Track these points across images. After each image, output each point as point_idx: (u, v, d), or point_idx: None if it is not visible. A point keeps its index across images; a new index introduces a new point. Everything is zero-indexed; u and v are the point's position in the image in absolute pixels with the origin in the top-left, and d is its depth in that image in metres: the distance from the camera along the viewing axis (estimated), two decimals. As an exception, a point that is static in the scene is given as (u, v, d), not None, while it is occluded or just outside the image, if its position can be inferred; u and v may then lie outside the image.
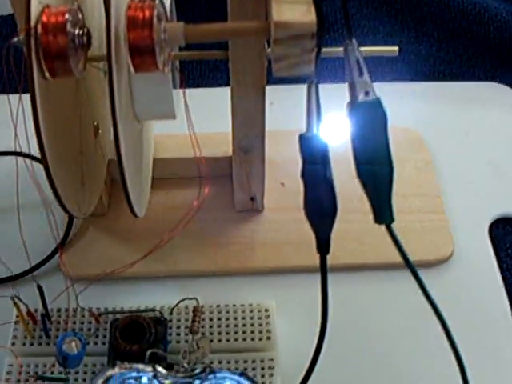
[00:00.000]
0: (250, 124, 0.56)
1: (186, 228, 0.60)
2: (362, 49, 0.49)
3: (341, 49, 0.46)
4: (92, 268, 0.60)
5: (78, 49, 0.44)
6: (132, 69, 0.45)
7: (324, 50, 0.45)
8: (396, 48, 0.52)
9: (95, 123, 0.56)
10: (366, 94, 0.47)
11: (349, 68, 0.47)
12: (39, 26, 0.42)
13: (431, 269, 0.62)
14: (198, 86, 0.80)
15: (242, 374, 0.50)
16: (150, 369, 0.50)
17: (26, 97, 0.43)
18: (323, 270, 0.47)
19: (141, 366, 0.50)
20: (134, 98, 0.51)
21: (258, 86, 0.52)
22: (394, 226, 0.46)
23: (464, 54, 0.85)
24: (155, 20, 0.43)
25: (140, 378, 0.50)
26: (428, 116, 0.76)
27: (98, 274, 0.59)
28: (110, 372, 0.49)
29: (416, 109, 0.76)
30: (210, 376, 0.49)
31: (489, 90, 0.81)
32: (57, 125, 0.47)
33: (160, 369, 0.49)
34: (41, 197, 0.49)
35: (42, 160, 0.45)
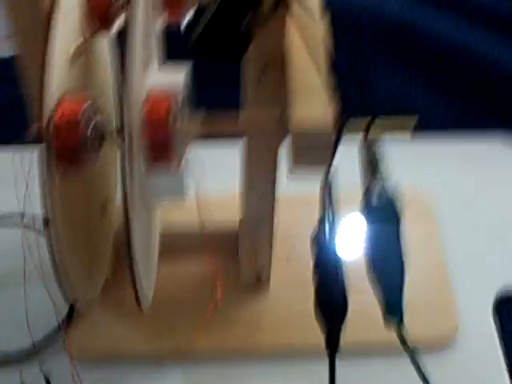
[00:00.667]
0: (258, 208, 0.55)
1: (190, 302, 0.60)
2: (379, 120, 0.48)
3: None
4: (96, 348, 0.59)
5: (92, 146, 0.43)
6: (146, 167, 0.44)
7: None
8: (408, 136, 0.51)
9: (104, 200, 0.56)
10: (380, 195, 0.46)
11: (363, 165, 0.46)
12: (52, 125, 0.42)
13: (434, 352, 0.61)
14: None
15: None
16: None
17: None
18: (332, 366, 0.47)
19: None
20: (147, 185, 0.50)
21: (271, 173, 0.52)
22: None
23: (475, 106, 0.84)
24: (172, 115, 0.43)
25: None
26: (435, 177, 0.75)
27: (103, 354, 0.58)
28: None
29: (423, 169, 0.75)
30: None
31: (497, 151, 0.79)
32: (69, 215, 0.46)
33: None
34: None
35: (50, 251, 0.44)
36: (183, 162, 0.46)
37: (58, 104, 0.42)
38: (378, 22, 0.87)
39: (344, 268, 0.46)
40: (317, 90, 0.43)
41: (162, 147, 0.43)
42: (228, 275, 0.64)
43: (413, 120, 0.49)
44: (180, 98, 0.45)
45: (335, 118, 0.42)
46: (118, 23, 0.51)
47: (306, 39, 0.43)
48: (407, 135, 0.52)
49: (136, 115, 0.43)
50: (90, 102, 0.43)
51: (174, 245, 0.64)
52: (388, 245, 0.47)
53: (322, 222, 0.47)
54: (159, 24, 0.53)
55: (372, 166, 0.46)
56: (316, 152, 0.43)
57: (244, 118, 0.45)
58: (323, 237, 0.46)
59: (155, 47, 0.54)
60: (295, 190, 0.56)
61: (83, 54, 0.49)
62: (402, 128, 0.50)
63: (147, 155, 0.43)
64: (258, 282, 0.63)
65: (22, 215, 0.61)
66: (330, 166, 0.43)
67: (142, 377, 0.59)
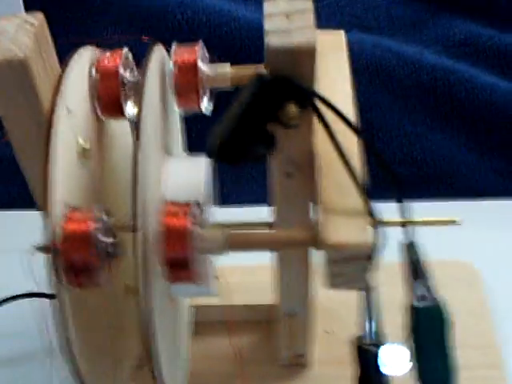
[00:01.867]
0: (295, 295, 0.51)
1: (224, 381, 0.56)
2: (420, 219, 0.45)
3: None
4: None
5: (106, 259, 0.39)
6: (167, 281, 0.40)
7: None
8: (456, 219, 0.47)
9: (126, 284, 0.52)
10: (423, 298, 0.42)
11: (406, 269, 0.42)
12: (61, 238, 0.38)
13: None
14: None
15: None
16: None
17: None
18: None
19: None
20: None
21: (305, 267, 0.48)
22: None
23: None
24: (192, 229, 0.39)
25: None
26: (483, 243, 0.69)
27: None
28: None
29: (469, 234, 0.70)
30: None
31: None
32: (88, 322, 0.43)
33: None
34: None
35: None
36: (207, 275, 0.42)
37: (66, 218, 0.38)
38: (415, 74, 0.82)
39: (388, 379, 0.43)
40: (352, 201, 0.39)
41: (181, 265, 0.39)
42: (264, 353, 0.60)
43: (453, 222, 0.46)
44: (200, 207, 0.41)
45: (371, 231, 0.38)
46: (130, 110, 0.47)
47: (337, 142, 0.39)
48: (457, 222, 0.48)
49: (152, 228, 0.39)
50: (100, 213, 0.39)
51: (209, 315, 0.61)
52: (436, 351, 0.43)
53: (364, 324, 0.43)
54: (176, 110, 0.49)
55: (414, 267, 0.43)
56: (352, 268, 0.39)
57: (272, 236, 0.41)
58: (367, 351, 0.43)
59: (174, 133, 0.51)
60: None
61: (92, 150, 0.45)
62: (442, 225, 0.46)
63: (165, 273, 0.40)
64: (297, 361, 0.59)
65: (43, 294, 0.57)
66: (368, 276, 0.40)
67: None
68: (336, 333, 0.61)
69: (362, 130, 0.40)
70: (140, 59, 0.50)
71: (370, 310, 0.42)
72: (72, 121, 0.42)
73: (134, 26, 0.88)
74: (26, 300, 0.61)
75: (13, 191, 0.79)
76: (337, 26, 0.90)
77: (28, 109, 0.41)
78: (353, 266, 0.38)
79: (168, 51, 0.50)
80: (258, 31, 0.86)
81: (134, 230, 0.38)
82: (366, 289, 0.42)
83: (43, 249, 0.38)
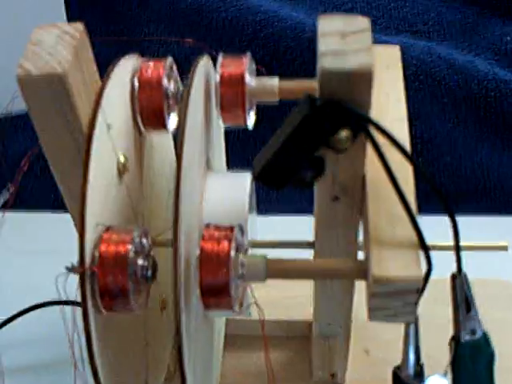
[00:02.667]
0: (333, 315, 0.49)
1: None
2: (469, 244, 0.43)
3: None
4: None
5: (142, 284, 0.38)
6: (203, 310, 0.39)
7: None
8: (506, 244, 0.46)
9: (163, 297, 0.51)
10: (473, 332, 0.40)
11: (455, 302, 0.40)
12: (96, 260, 0.36)
13: None
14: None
15: None
16: None
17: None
18: None
19: None
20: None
21: (346, 294, 0.46)
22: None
23: None
24: (233, 254, 0.37)
25: None
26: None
27: None
28: None
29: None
30: None
31: None
32: (117, 341, 0.42)
33: None
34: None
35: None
36: (243, 301, 0.40)
37: (101, 240, 0.37)
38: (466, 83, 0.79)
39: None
40: (402, 232, 0.37)
41: (217, 292, 0.37)
42: (297, 370, 0.59)
43: (504, 247, 0.45)
44: (242, 231, 0.39)
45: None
46: (173, 123, 0.46)
47: (390, 169, 0.36)
48: (506, 248, 0.46)
49: (192, 249, 0.37)
50: (138, 234, 0.38)
51: (241, 328, 0.60)
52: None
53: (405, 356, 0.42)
54: (219, 124, 0.47)
55: (466, 299, 0.41)
56: (398, 302, 0.37)
57: (314, 266, 0.39)
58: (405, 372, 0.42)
59: (216, 148, 0.49)
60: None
61: (132, 164, 0.44)
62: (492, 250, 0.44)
63: (203, 299, 0.38)
64: (332, 380, 0.58)
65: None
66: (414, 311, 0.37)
67: None
68: (372, 352, 0.59)
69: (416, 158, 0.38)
70: (181, 62, 0.48)
71: (412, 341, 0.40)
72: (112, 136, 0.40)
73: (175, 25, 0.86)
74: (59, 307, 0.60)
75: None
76: (385, 30, 0.88)
77: (66, 125, 0.40)
78: (400, 301, 0.36)
79: (211, 54, 0.48)
80: (303, 32, 0.84)
81: (175, 251, 0.36)
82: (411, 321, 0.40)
83: (76, 271, 0.36)
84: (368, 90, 0.35)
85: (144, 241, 0.38)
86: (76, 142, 0.41)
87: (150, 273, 0.38)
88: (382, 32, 0.86)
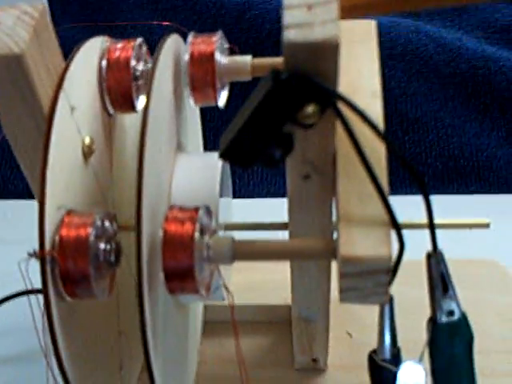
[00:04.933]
0: (311, 299, 0.48)
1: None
2: (448, 221, 0.42)
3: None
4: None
5: (104, 269, 0.37)
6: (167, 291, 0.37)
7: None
8: (487, 221, 0.45)
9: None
10: (450, 313, 0.39)
11: (431, 282, 0.39)
12: (57, 244, 0.35)
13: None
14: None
15: None
16: None
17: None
18: None
19: None
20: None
21: (322, 275, 0.44)
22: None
23: None
24: (197, 236, 0.36)
25: None
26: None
27: None
28: None
29: (501, 230, 0.66)
30: None
31: None
32: (85, 332, 0.40)
33: None
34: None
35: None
36: (211, 285, 0.39)
37: (63, 222, 0.36)
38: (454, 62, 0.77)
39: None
40: (373, 210, 0.35)
41: (182, 275, 0.36)
42: (278, 356, 0.58)
43: (485, 222, 0.44)
44: (208, 214, 0.38)
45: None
46: (142, 105, 0.44)
47: (360, 147, 0.35)
48: (487, 225, 0.45)
49: (154, 231, 0.36)
50: (100, 217, 0.36)
51: (221, 314, 0.59)
52: (460, 366, 0.40)
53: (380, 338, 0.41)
54: (193, 107, 0.46)
55: (443, 280, 0.39)
56: (368, 282, 0.35)
57: (284, 246, 0.38)
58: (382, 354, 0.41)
59: (190, 130, 0.48)
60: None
61: (100, 147, 0.42)
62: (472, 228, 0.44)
63: (167, 284, 0.37)
64: (314, 365, 0.56)
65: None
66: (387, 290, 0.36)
67: None
68: (355, 336, 0.58)
69: (388, 134, 0.37)
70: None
71: (387, 323, 0.39)
72: (77, 118, 0.39)
73: (159, 10, 0.85)
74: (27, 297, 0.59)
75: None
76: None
77: (26, 108, 0.39)
78: (370, 281, 0.35)
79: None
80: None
81: (138, 234, 0.35)
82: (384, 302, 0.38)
83: (37, 256, 0.35)
84: (335, 63, 0.34)
85: (107, 224, 0.37)
86: (38, 125, 0.39)
87: (113, 257, 0.37)
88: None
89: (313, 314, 0.50)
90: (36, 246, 0.36)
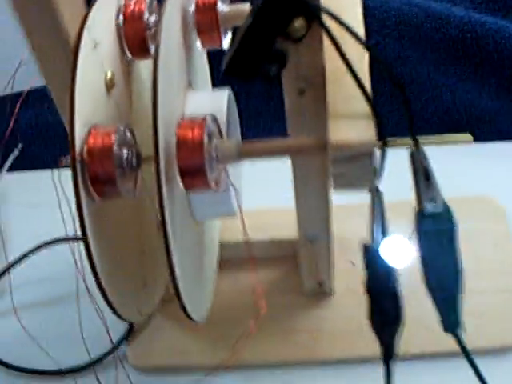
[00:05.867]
0: (314, 219, 0.53)
1: (252, 313, 0.59)
2: (433, 137, 0.47)
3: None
4: (157, 358, 0.59)
5: (127, 171, 0.42)
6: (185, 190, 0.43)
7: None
8: (470, 136, 0.48)
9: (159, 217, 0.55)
10: (433, 201, 0.44)
11: (415, 176, 0.44)
12: (85, 151, 0.41)
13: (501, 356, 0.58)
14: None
15: None
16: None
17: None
18: (388, 376, 0.46)
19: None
20: (191, 206, 0.49)
21: (322, 189, 0.50)
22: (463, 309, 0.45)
23: None
24: (206, 139, 0.42)
25: None
26: (508, 182, 0.71)
27: (163, 364, 0.58)
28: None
29: (494, 173, 0.72)
30: None
31: None
32: (112, 239, 0.46)
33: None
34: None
35: (94, 277, 0.44)
36: (224, 183, 0.45)
37: (89, 133, 0.41)
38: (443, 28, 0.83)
39: (397, 278, 0.45)
40: (357, 108, 0.41)
41: (196, 172, 0.42)
42: (289, 284, 0.63)
43: (468, 137, 0.48)
44: (215, 123, 0.44)
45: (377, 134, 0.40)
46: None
47: (343, 54, 0.41)
48: (470, 139, 0.49)
49: (169, 140, 0.42)
50: (122, 130, 0.42)
51: (235, 251, 0.64)
52: (443, 255, 0.45)
53: (372, 229, 0.45)
54: (200, 49, 0.52)
55: (424, 175, 0.44)
56: (356, 167, 0.41)
57: (283, 143, 0.43)
58: (374, 245, 0.45)
59: (200, 72, 0.53)
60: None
61: (120, 82, 0.48)
62: (455, 143, 0.48)
63: (183, 180, 0.42)
64: (321, 290, 0.62)
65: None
66: (378, 173, 0.42)
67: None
68: (358, 265, 0.63)
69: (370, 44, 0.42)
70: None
71: (377, 215, 0.44)
72: (99, 53, 0.45)
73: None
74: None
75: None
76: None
77: (53, 38, 0.44)
78: (357, 166, 0.40)
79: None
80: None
81: (155, 143, 0.40)
82: (372, 191, 0.43)
83: (68, 162, 0.40)
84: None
85: (128, 134, 0.43)
86: (66, 56, 0.45)
87: (135, 161, 0.42)
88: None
89: (316, 234, 0.55)
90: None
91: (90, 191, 0.42)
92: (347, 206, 0.59)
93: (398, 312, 0.45)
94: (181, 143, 0.42)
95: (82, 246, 0.43)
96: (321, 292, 0.62)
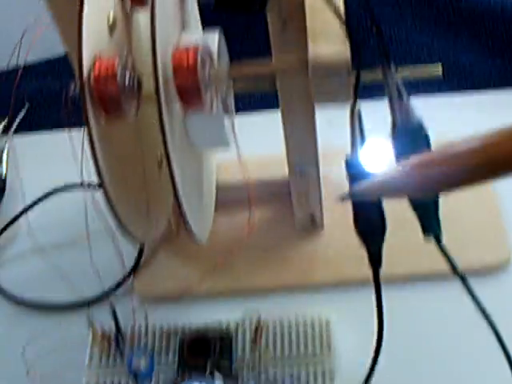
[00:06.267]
0: (302, 150, 0.58)
1: (249, 246, 0.64)
2: (403, 71, 0.50)
3: (379, 74, 0.48)
4: (162, 289, 0.64)
5: (130, 94, 0.47)
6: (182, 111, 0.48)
7: (363, 74, 0.47)
8: (439, 67, 0.52)
9: (158, 155, 0.60)
10: (407, 116, 0.48)
11: (388, 92, 0.49)
12: (92, 78, 0.46)
13: (486, 275, 0.62)
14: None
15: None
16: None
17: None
18: (377, 282, 0.50)
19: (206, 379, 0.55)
20: (188, 131, 0.54)
21: (307, 115, 0.54)
22: (446, 230, 0.48)
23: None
24: (199, 62, 0.47)
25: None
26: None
27: (168, 294, 0.63)
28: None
29: (475, 123, 0.76)
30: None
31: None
32: (117, 160, 0.51)
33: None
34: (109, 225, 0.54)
35: (104, 194, 0.49)
36: (218, 106, 0.50)
37: (96, 60, 0.47)
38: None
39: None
40: (334, 33, 0.46)
41: (192, 90, 0.47)
42: (284, 222, 0.68)
43: (437, 68, 0.51)
44: (208, 49, 0.49)
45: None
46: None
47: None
48: (438, 71, 0.53)
49: (166, 64, 0.47)
50: (124, 56, 0.47)
51: (230, 193, 0.69)
52: None
53: (352, 141, 0.49)
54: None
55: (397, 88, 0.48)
56: (334, 82, 0.46)
57: (269, 63, 0.49)
58: (354, 158, 0.49)
59: (192, 14, 0.58)
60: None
61: (122, 20, 0.53)
62: (426, 76, 0.51)
63: (181, 100, 0.47)
64: (312, 224, 0.67)
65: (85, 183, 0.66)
66: (355, 91, 0.46)
67: (203, 310, 0.63)
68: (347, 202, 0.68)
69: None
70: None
71: (355, 128, 0.49)
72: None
73: None
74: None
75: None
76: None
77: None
78: (335, 81, 0.45)
79: None
80: None
81: (155, 66, 0.45)
82: (351, 109, 0.48)
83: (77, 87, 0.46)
84: None
85: (129, 60, 0.48)
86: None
87: (136, 84, 0.48)
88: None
89: (305, 166, 0.60)
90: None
91: (97, 113, 0.47)
92: (334, 150, 0.63)
93: (382, 220, 0.50)
94: (176, 66, 0.47)
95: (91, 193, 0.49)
96: (313, 226, 0.67)
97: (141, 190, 0.56)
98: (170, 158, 0.47)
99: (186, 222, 0.51)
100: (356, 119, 0.49)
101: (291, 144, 0.58)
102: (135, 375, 0.55)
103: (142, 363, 0.55)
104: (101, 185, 0.48)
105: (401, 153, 0.49)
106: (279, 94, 0.53)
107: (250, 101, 0.79)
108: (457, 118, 0.74)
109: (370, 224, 0.50)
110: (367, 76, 0.48)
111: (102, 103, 0.46)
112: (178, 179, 0.48)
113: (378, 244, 0.50)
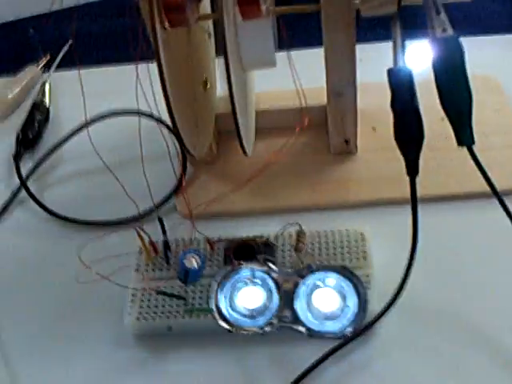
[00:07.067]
0: (341, 69, 0.62)
1: (287, 169, 0.68)
2: None
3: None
4: (205, 207, 0.68)
5: (192, 4, 0.51)
6: (240, 17, 0.52)
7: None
8: None
9: (204, 78, 0.64)
10: (444, 30, 0.52)
11: (427, 7, 0.52)
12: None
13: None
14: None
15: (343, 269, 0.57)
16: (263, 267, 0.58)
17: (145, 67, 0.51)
18: (413, 191, 0.54)
19: (255, 265, 0.59)
20: (240, 49, 0.58)
21: (348, 32, 0.58)
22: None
23: None
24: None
25: (254, 273, 0.57)
26: (506, 65, 0.79)
27: (210, 212, 0.67)
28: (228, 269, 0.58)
29: (494, 59, 0.80)
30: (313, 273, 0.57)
31: None
32: (174, 71, 0.55)
33: (272, 266, 0.57)
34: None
35: (165, 101, 0.53)
36: (270, 15, 0.54)
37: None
38: None
39: (416, 92, 0.53)
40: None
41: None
42: (320, 147, 0.72)
43: None
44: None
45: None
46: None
47: None
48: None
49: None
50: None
51: (269, 120, 0.73)
52: (455, 76, 0.52)
53: (394, 51, 0.53)
54: None
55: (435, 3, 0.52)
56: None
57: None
58: (397, 65, 0.53)
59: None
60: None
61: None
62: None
63: (241, 9, 0.51)
64: (347, 148, 0.70)
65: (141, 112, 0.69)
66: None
67: (244, 226, 0.67)
68: (378, 130, 0.73)
69: None
70: None
71: (397, 37, 0.52)
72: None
73: None
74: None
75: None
76: None
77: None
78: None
79: None
80: None
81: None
82: (393, 18, 0.52)
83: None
84: None
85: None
86: None
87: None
88: None
89: (343, 87, 0.64)
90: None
91: (162, 20, 0.51)
92: (371, 83, 0.67)
93: (420, 130, 0.53)
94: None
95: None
96: (347, 151, 0.71)
97: (191, 106, 0.60)
98: (229, 69, 0.51)
99: (239, 136, 0.56)
100: (398, 28, 0.52)
101: (331, 63, 0.61)
102: (186, 273, 0.58)
103: (194, 260, 0.57)
104: (163, 88, 0.52)
105: (438, 62, 0.52)
106: (322, 10, 0.57)
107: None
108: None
109: (408, 133, 0.54)
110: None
111: (168, 9, 0.50)
112: (235, 96, 0.53)
113: (416, 152, 0.54)
